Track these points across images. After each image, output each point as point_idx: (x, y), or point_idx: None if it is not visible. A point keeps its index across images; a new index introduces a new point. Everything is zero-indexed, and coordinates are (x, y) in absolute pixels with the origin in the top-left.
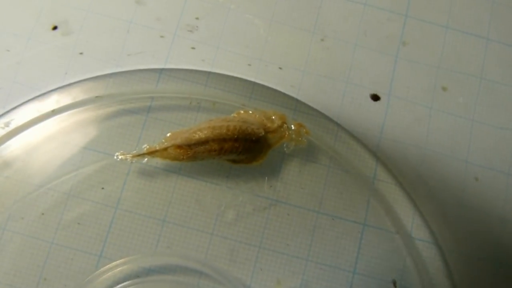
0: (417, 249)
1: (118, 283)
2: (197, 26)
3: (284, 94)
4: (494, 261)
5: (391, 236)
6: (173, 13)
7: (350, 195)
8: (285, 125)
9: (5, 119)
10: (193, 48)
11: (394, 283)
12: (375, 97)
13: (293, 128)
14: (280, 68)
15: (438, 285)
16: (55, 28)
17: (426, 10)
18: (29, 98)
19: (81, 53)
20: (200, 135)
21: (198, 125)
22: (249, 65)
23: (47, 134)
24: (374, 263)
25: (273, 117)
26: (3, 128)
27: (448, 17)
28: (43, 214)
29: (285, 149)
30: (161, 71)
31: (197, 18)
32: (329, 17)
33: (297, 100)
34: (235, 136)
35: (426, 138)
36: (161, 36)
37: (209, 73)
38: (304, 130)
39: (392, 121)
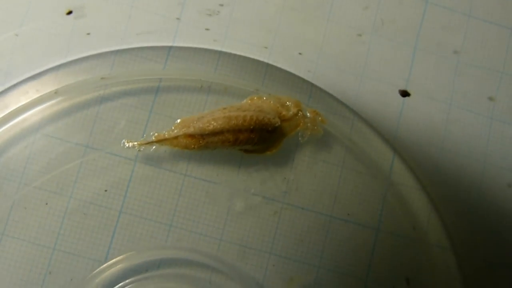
0: (432, 251)
1: (126, 277)
2: (218, 11)
3: (299, 77)
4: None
5: (406, 234)
6: None
7: (366, 189)
8: (300, 113)
9: (2, 101)
10: (207, 29)
11: (407, 281)
12: (404, 93)
13: (308, 116)
14: (300, 53)
15: None
16: (69, 13)
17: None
18: (27, 77)
19: (88, 34)
20: (215, 125)
21: (211, 113)
22: (266, 47)
23: (47, 116)
24: (386, 264)
25: (288, 104)
26: None
27: (471, 4)
28: (46, 204)
29: (299, 138)
30: (169, 49)
31: (221, 5)
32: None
33: (312, 85)
34: (251, 127)
35: (444, 132)
36: (177, 18)
37: (220, 52)
38: (320, 118)
39: (410, 112)
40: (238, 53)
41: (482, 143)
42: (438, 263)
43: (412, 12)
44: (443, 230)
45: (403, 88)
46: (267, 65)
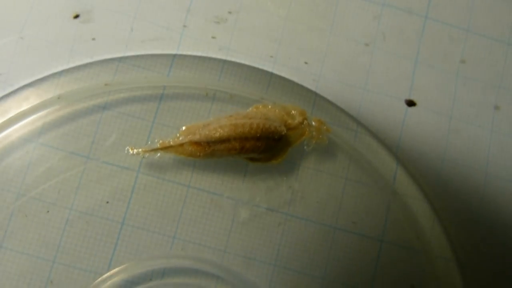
0: (436, 262)
1: (129, 287)
2: (226, 19)
3: (303, 87)
4: None
5: (410, 245)
6: None
7: (370, 200)
8: (306, 122)
9: (2, 106)
10: (213, 37)
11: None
12: (411, 103)
13: (313, 124)
14: (306, 63)
15: None
16: (76, 16)
17: (447, 11)
18: (29, 81)
19: (93, 39)
20: (221, 132)
21: (217, 121)
22: (271, 57)
23: (48, 123)
24: (390, 275)
25: (293, 113)
26: None
27: (470, 19)
28: (48, 211)
29: (305, 147)
30: (174, 56)
31: (230, 12)
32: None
33: (316, 94)
34: (258, 135)
35: (446, 142)
36: (184, 26)
37: (225, 61)
38: (325, 127)
39: (413, 123)
40: (243, 61)
41: (483, 153)
42: (442, 274)
43: (413, 24)
44: (446, 241)
45: (407, 98)
46: (272, 74)
